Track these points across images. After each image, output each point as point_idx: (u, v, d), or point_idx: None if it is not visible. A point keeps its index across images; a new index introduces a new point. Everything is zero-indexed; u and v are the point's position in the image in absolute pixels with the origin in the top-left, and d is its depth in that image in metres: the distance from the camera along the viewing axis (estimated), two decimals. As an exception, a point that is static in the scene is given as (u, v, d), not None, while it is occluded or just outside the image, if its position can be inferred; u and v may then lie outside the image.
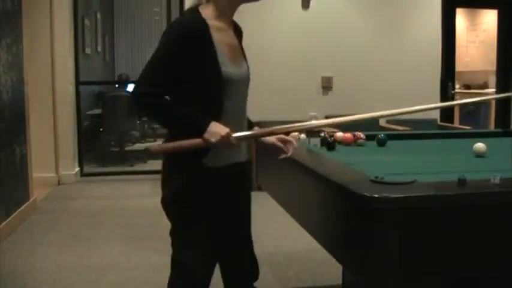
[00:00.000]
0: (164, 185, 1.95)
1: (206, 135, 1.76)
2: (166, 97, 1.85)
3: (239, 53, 1.96)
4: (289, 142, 2.04)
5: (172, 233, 1.96)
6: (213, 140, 1.75)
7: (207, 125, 1.77)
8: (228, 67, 1.84)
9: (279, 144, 2.04)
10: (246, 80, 1.96)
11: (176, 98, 1.88)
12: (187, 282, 1.93)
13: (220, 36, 1.85)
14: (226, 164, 1.91)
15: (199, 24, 1.81)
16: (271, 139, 2.05)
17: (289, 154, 2.03)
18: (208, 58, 1.81)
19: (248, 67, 2.00)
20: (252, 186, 2.15)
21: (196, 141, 1.78)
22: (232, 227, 2.01)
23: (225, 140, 1.77)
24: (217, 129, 1.77)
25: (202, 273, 1.94)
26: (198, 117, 1.80)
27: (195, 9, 1.87)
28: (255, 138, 2.02)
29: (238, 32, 2.03)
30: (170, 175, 1.93)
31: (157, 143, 2.06)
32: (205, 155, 1.85)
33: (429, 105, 2.05)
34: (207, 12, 1.86)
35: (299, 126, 1.94)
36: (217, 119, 1.81)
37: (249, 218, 2.11)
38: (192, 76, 1.82)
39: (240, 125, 1.92)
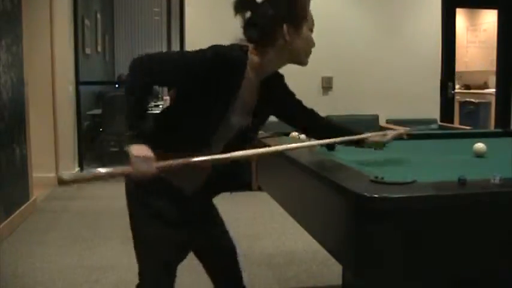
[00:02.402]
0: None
1: (132, 164, 1.61)
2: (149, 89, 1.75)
3: (250, 107, 1.90)
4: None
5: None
6: (135, 172, 1.61)
7: (132, 139, 1.63)
8: (234, 114, 1.82)
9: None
10: (239, 129, 1.88)
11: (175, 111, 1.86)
12: None
13: (247, 86, 1.83)
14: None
15: (240, 65, 1.79)
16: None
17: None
18: (224, 94, 1.77)
19: (251, 121, 1.93)
20: (252, 186, 2.14)
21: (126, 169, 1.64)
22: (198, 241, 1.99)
23: (146, 175, 1.62)
24: (138, 154, 1.61)
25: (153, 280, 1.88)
26: (137, 121, 1.67)
27: (245, 50, 1.82)
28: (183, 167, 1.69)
29: (270, 83, 1.98)
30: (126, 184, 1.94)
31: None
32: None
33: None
34: (253, 61, 1.84)
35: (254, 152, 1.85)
36: (206, 145, 1.77)
37: (217, 230, 2.06)
38: (197, 99, 1.76)
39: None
